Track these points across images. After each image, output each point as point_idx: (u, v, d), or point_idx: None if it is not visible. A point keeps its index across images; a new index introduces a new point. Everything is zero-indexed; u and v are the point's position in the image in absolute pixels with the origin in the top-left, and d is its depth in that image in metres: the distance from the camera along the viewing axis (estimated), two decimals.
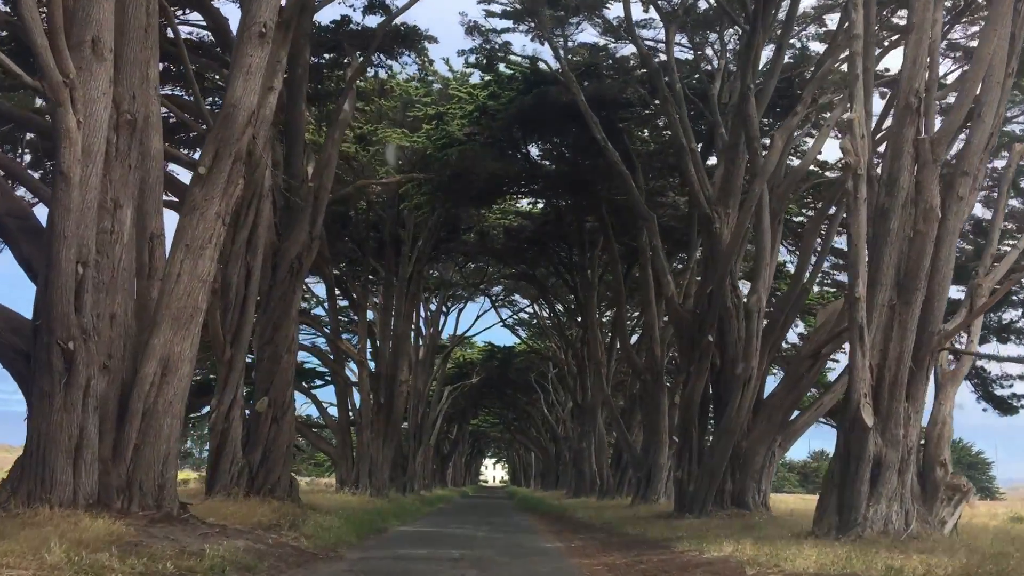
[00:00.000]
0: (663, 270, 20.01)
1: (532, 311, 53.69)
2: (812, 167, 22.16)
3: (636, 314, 39.11)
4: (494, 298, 47.14)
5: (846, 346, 13.86)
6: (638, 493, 25.59)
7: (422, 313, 51.07)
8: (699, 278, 20.24)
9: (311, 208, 18.93)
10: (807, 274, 18.25)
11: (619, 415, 28.42)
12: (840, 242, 20.86)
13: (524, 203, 37.79)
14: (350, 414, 32.85)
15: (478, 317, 53.55)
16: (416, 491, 45.45)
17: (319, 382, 38.63)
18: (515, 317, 56.91)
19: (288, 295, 18.39)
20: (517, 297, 55.88)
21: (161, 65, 14.90)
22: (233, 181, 11.23)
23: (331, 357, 33.47)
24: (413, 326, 49.52)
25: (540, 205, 37.07)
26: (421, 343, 50.33)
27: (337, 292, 36.66)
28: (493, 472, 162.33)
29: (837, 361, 28.04)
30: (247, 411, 18.07)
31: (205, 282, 10.94)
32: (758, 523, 15.82)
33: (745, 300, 18.08)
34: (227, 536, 10.48)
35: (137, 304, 10.95)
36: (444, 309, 52.29)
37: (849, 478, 11.09)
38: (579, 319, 42.13)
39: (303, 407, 37.91)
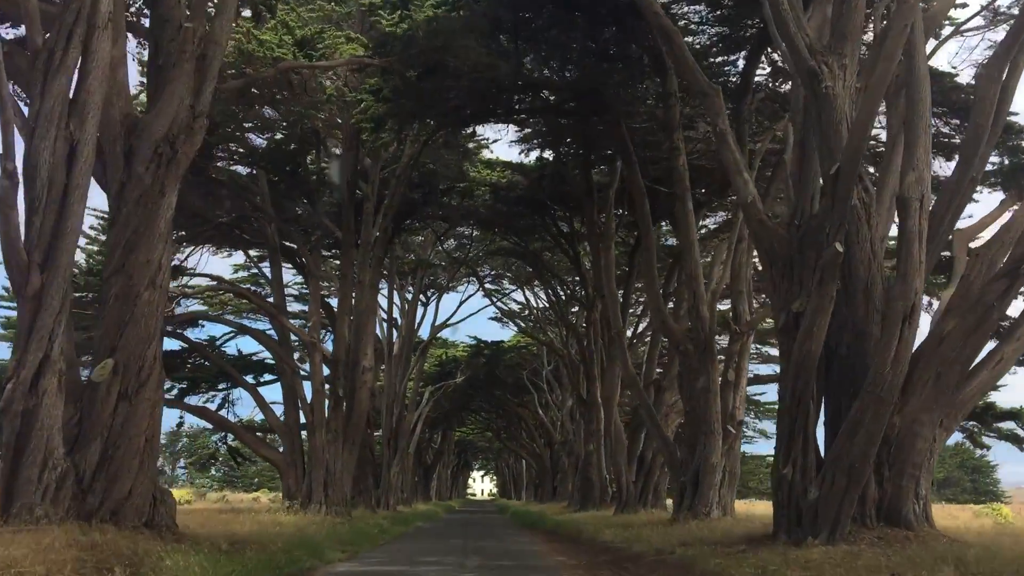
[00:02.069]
0: (737, 166, 13.17)
1: (523, 300, 46.75)
2: None
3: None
4: (482, 278, 40.06)
5: None
6: (682, 504, 18.74)
7: (396, 302, 44.30)
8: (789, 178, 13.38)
9: (192, 66, 12.03)
10: (983, 141, 11.42)
11: (649, 403, 21.48)
12: None
13: (515, 152, 31.01)
14: (300, 412, 25.87)
15: (462, 302, 44.84)
16: (391, 507, 38.46)
17: (271, 377, 31.45)
18: (504, 304, 50.08)
19: (152, 198, 11.47)
20: (506, 284, 49.24)
21: None
22: None
23: (276, 340, 26.49)
24: (387, 317, 42.75)
25: (534, 157, 30.34)
26: (396, 335, 43.49)
27: (291, 269, 29.77)
28: (481, 485, 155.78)
29: None
30: (85, 381, 11.17)
31: None
32: (944, 554, 9.09)
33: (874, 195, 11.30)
34: None
35: None
36: (423, 298, 45.43)
37: None
38: (583, 296, 35.26)
39: (252, 412, 30.71)
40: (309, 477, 25.16)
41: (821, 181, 11.97)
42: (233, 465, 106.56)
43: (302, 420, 26.01)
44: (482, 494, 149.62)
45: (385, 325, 41.95)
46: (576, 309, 42.33)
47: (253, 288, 30.76)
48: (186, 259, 26.14)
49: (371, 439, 39.16)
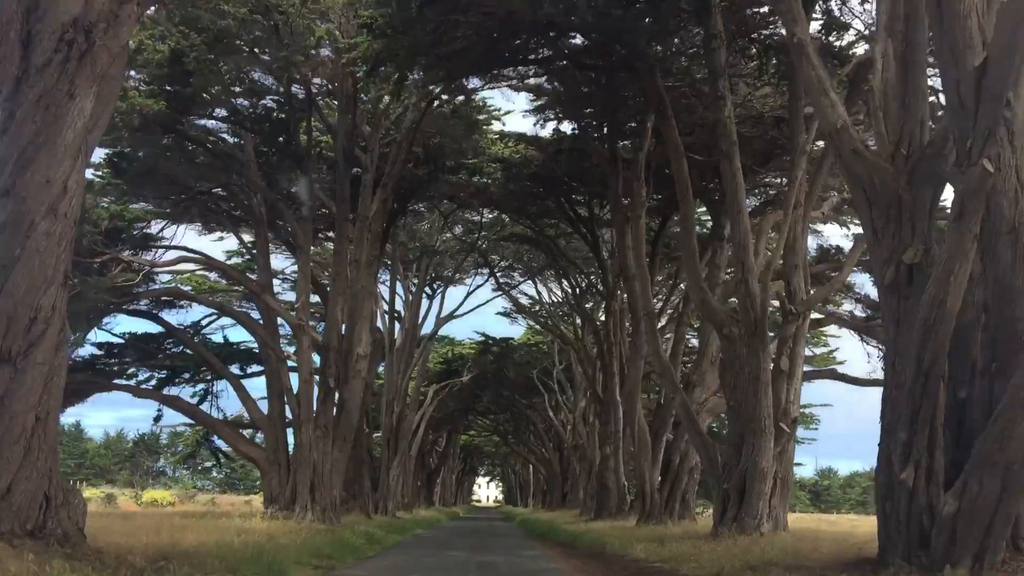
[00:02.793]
0: (821, 84, 10.24)
1: (535, 294, 43.76)
2: None
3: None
4: (493, 266, 37.12)
5: None
6: (724, 515, 15.78)
7: (400, 293, 41.45)
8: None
9: None
10: None
11: (684, 396, 18.48)
12: None
13: (529, 124, 28.02)
14: (286, 405, 22.99)
15: (469, 293, 41.72)
16: (389, 513, 35.58)
17: (260, 368, 28.43)
18: (514, 296, 47.13)
19: (57, 101, 8.62)
20: (517, 276, 46.33)
21: None
22: None
23: (261, 324, 23.63)
24: (388, 309, 39.87)
25: (551, 129, 27.48)
26: (400, 328, 40.64)
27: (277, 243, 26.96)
28: (487, 491, 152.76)
29: None
30: None
31: None
32: None
33: None
34: None
35: None
36: (427, 291, 42.57)
37: None
38: (601, 285, 32.33)
39: (242, 411, 27.65)
40: (293, 478, 22.29)
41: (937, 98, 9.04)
42: (233, 466, 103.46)
43: (288, 415, 23.11)
44: (487, 500, 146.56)
45: (386, 317, 39.14)
46: (591, 304, 39.45)
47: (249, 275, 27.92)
48: (161, 231, 23.33)
49: (369, 439, 36.35)
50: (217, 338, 30.19)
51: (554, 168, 28.86)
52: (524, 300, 47.63)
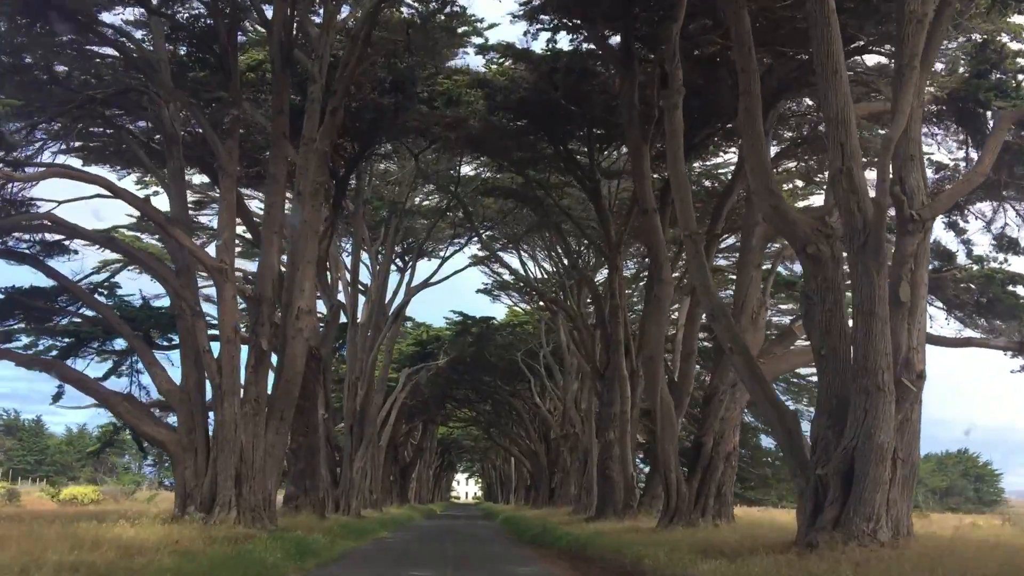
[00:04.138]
0: None
1: (519, 267, 38.39)
2: None
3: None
4: (474, 220, 31.82)
5: None
6: (817, 515, 10.66)
7: (366, 262, 36.05)
8: None
9: None
10: None
11: (747, 348, 13.25)
12: None
13: (518, 32, 22.81)
14: (205, 375, 17.60)
15: (445, 260, 36.25)
16: (354, 512, 30.35)
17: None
18: (498, 272, 41.90)
19: None
20: (499, 248, 41.11)
21: None
22: None
23: (173, 270, 18.19)
24: (352, 282, 34.49)
25: (544, 42, 22.35)
26: (364, 300, 35.32)
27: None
28: (466, 488, 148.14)
29: None
30: None
31: None
32: None
33: None
34: None
35: None
36: (398, 261, 37.27)
37: None
38: (600, 243, 27.08)
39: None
40: (213, 468, 16.98)
41: None
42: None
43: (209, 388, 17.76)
44: (466, 497, 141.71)
45: (348, 288, 33.79)
46: (591, 263, 34.22)
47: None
48: (36, 154, 17.76)
49: (328, 426, 30.99)
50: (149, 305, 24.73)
51: (547, 93, 23.64)
52: (507, 276, 42.51)
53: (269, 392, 17.80)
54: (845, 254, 11.45)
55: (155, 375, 17.87)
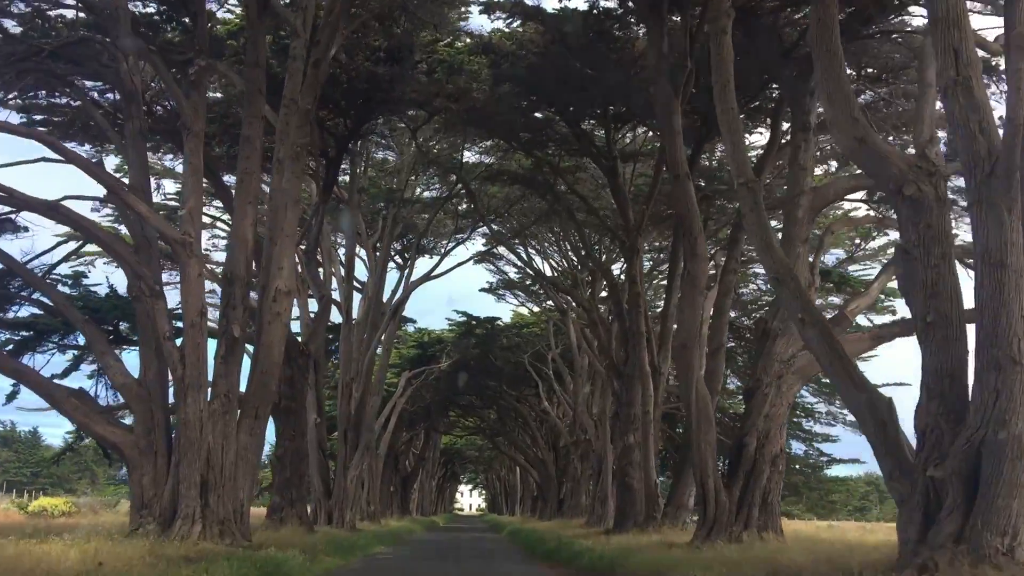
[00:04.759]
0: None
1: (525, 264, 35.77)
2: None
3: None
4: (479, 204, 29.32)
5: None
6: (935, 526, 8.16)
7: (362, 256, 33.61)
8: None
9: None
10: None
11: (823, 318, 10.76)
12: None
13: None
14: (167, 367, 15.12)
15: (446, 253, 33.67)
16: (348, 524, 27.85)
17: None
18: (502, 270, 39.47)
19: None
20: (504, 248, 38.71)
21: None
22: None
23: (132, 248, 15.74)
24: (347, 276, 31.96)
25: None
26: (360, 299, 32.87)
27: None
28: (469, 499, 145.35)
29: None
30: None
31: None
32: None
33: None
34: None
35: None
36: (398, 259, 34.88)
37: None
38: (621, 231, 24.57)
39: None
40: (175, 474, 14.51)
41: None
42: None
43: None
44: (470, 509, 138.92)
45: (341, 269, 31.24)
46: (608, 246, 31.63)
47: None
48: None
49: (321, 431, 28.53)
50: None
51: (560, 58, 21.23)
52: (513, 274, 40.03)
53: (243, 388, 15.39)
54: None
55: (108, 367, 15.40)
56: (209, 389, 14.89)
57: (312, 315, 26.64)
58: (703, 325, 16.72)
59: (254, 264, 16.28)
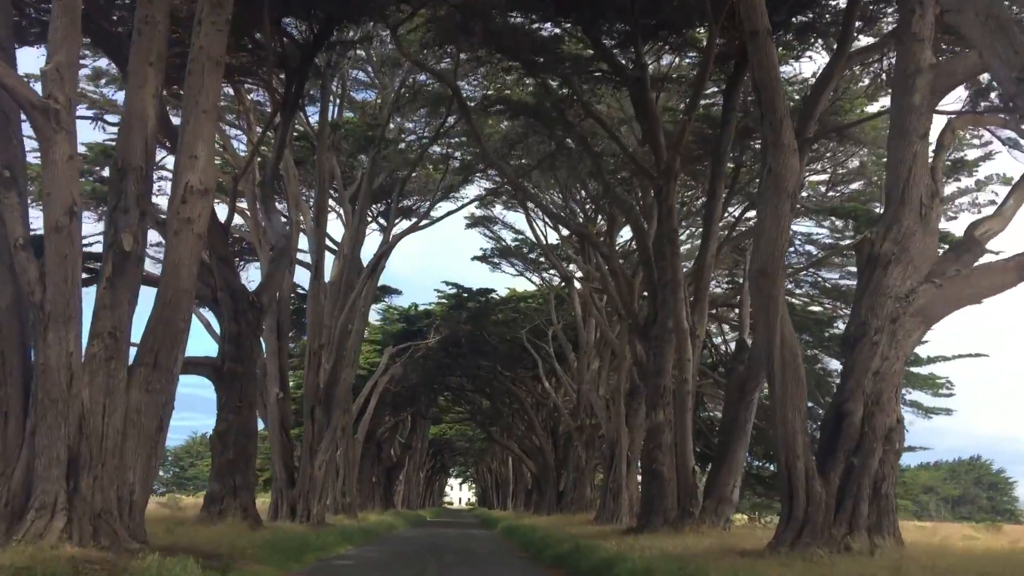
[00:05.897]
0: None
1: (530, 215, 30.92)
2: None
3: None
4: (485, 146, 24.42)
5: None
6: None
7: (338, 208, 29.00)
8: None
9: None
10: None
11: None
12: None
13: None
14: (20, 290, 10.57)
15: (433, 203, 28.89)
16: (315, 518, 23.34)
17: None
18: (497, 233, 34.93)
19: None
20: (500, 208, 34.25)
21: None
22: None
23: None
24: (318, 229, 27.16)
25: None
26: (334, 260, 28.25)
27: None
28: (459, 493, 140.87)
29: None
30: None
31: None
32: None
33: None
34: None
35: None
36: (382, 221, 30.37)
37: None
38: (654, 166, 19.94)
39: None
40: (31, 444, 9.93)
41: None
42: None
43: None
44: (460, 503, 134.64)
45: (310, 235, 26.53)
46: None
47: None
48: None
49: (284, 409, 23.99)
50: None
51: None
52: (510, 240, 35.48)
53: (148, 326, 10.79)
54: None
55: None
56: (85, 325, 10.33)
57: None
58: (786, 246, 12.11)
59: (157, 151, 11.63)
